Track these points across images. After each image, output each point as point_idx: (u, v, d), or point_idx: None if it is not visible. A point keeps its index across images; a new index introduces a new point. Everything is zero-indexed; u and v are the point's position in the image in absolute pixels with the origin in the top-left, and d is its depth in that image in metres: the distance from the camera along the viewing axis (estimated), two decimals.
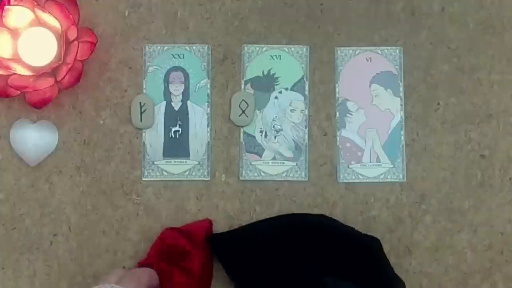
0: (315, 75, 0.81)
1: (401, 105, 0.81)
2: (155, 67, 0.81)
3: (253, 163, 0.80)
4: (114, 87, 0.80)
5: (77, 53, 0.75)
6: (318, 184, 0.80)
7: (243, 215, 0.79)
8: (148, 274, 0.69)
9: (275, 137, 0.80)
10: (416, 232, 0.79)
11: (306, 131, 0.80)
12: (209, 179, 0.79)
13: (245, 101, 0.80)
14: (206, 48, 0.81)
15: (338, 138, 0.80)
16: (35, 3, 0.75)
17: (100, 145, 0.80)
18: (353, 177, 0.80)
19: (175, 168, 0.79)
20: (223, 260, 0.76)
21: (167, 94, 0.80)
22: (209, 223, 0.78)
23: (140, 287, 0.67)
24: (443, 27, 0.82)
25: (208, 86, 0.81)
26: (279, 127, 0.80)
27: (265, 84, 0.81)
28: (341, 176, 0.80)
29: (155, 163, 0.79)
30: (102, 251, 0.78)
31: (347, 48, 0.81)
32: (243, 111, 0.80)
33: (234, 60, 0.81)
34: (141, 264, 0.73)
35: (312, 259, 0.73)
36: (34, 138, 0.79)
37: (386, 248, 0.78)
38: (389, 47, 0.81)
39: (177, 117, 0.80)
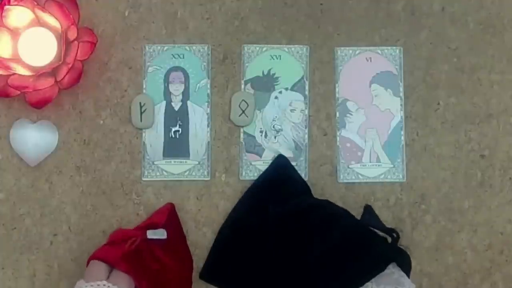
0: (315, 75, 0.81)
1: (401, 105, 0.81)
2: (155, 67, 0.81)
3: (253, 163, 0.80)
4: (114, 87, 0.80)
5: (77, 53, 0.75)
6: (318, 184, 0.80)
7: None
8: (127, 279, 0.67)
9: (275, 137, 0.80)
10: (416, 232, 0.79)
11: (306, 131, 0.80)
12: (209, 179, 0.79)
13: (245, 101, 0.80)
14: (206, 48, 0.81)
15: (338, 138, 0.80)
16: (35, 3, 0.75)
17: (100, 145, 0.80)
18: (353, 177, 0.80)
19: (175, 168, 0.79)
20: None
21: (167, 94, 0.80)
22: (170, 206, 0.77)
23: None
24: (443, 27, 0.82)
25: (208, 86, 0.81)
26: (279, 127, 0.80)
27: (265, 84, 0.81)
28: (341, 176, 0.80)
29: (155, 163, 0.79)
30: None
31: (347, 48, 0.81)
32: (243, 111, 0.80)
33: (234, 60, 0.81)
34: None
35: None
36: (34, 138, 0.79)
37: None
38: (389, 47, 0.81)
39: (177, 117, 0.80)
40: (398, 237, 0.71)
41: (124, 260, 0.67)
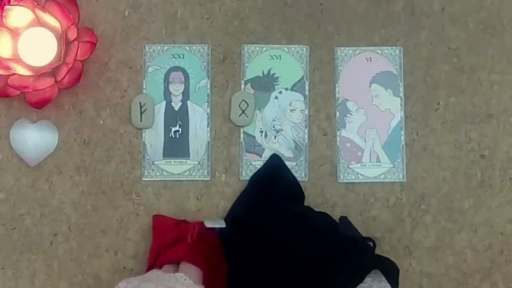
0: (315, 75, 0.81)
1: (401, 105, 0.81)
2: (155, 67, 0.81)
3: (253, 163, 0.80)
4: (114, 87, 0.80)
5: (77, 53, 0.75)
6: (318, 184, 0.80)
7: None
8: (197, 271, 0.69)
9: (275, 137, 0.80)
10: (416, 232, 0.79)
11: (306, 131, 0.80)
12: (209, 179, 0.79)
13: (245, 101, 0.80)
14: (206, 48, 0.81)
15: (338, 138, 0.80)
16: (35, 3, 0.75)
17: (100, 145, 0.80)
18: (353, 177, 0.80)
19: (175, 168, 0.79)
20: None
21: (167, 94, 0.80)
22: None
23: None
24: (443, 27, 0.82)
25: (208, 86, 0.81)
26: (279, 127, 0.80)
27: (265, 84, 0.81)
28: (341, 176, 0.80)
29: (155, 163, 0.79)
30: (102, 251, 0.78)
31: (347, 48, 0.81)
32: (243, 111, 0.80)
33: (234, 60, 0.81)
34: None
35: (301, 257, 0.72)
36: (34, 138, 0.79)
37: (386, 248, 0.78)
38: (389, 47, 0.81)
39: (177, 117, 0.80)
40: (374, 245, 0.71)
41: (191, 252, 0.69)
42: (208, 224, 0.73)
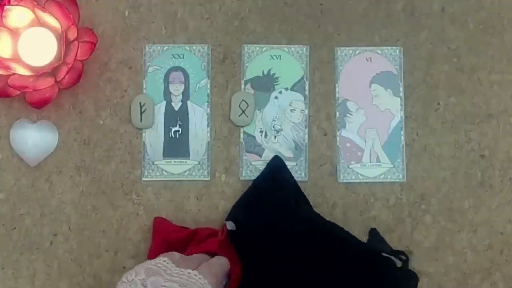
0: (315, 75, 0.81)
1: (401, 105, 0.81)
2: (155, 67, 0.81)
3: (253, 163, 0.80)
4: (114, 87, 0.80)
5: (77, 53, 0.75)
6: (318, 184, 0.80)
7: None
8: (222, 265, 0.65)
9: (275, 137, 0.80)
10: (416, 232, 0.79)
11: (306, 131, 0.80)
12: (209, 179, 0.79)
13: (245, 101, 0.80)
14: (206, 48, 0.81)
15: (338, 138, 0.80)
16: (35, 3, 0.75)
17: (100, 145, 0.80)
18: (353, 177, 0.80)
19: (175, 168, 0.79)
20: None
21: (167, 94, 0.80)
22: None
23: (217, 282, 0.63)
24: (443, 27, 0.82)
25: (208, 86, 0.81)
26: (279, 127, 0.80)
27: (265, 84, 0.81)
28: (341, 176, 0.80)
29: (155, 163, 0.79)
30: (102, 251, 0.78)
31: (347, 48, 0.81)
32: (243, 111, 0.80)
33: (234, 60, 0.81)
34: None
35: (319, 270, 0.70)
36: (34, 138, 0.79)
37: None
38: (389, 47, 0.81)
39: (177, 117, 0.80)
40: (407, 259, 0.70)
41: (225, 246, 0.69)
42: (230, 227, 0.72)
